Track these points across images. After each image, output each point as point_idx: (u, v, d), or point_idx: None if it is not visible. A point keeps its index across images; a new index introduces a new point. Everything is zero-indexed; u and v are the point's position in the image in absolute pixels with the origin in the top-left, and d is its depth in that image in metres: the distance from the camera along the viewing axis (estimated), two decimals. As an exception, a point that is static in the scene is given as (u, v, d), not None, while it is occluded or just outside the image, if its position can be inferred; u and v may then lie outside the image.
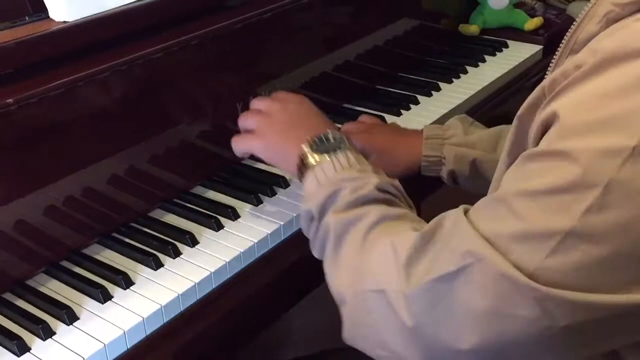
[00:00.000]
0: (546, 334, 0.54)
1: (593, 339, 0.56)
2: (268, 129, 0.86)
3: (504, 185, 0.59)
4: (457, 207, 0.64)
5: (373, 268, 0.64)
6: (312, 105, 0.90)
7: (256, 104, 0.91)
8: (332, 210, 0.72)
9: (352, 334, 0.68)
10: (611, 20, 0.59)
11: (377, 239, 0.66)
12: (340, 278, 0.69)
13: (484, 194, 0.64)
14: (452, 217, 0.61)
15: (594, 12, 0.61)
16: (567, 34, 0.65)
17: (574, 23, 0.64)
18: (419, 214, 0.75)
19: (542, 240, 0.53)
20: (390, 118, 1.19)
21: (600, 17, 0.60)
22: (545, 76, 0.69)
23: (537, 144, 0.59)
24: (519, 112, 0.64)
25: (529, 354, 0.56)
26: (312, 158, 0.78)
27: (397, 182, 0.76)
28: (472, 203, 0.63)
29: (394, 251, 0.63)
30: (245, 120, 0.90)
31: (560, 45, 0.66)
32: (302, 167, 0.79)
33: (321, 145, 0.79)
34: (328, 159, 0.77)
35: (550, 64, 0.69)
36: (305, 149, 0.79)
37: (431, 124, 1.13)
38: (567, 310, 0.53)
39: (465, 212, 0.61)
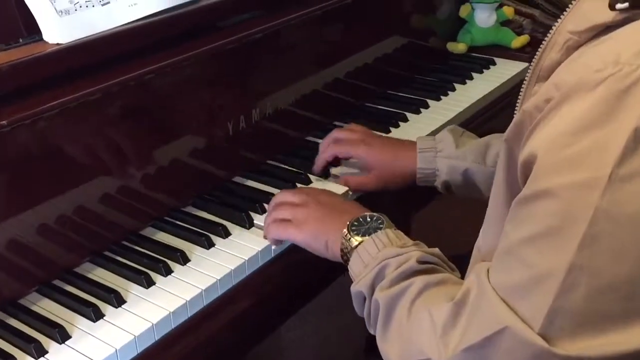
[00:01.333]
0: None
1: None
2: (306, 219, 0.89)
3: (508, 237, 0.61)
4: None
5: (417, 339, 0.67)
6: (336, 194, 0.97)
7: (286, 196, 0.94)
8: (379, 287, 0.75)
9: None
10: (571, 48, 0.61)
11: (419, 310, 0.70)
12: (391, 349, 0.72)
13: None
14: (477, 281, 0.63)
15: (554, 41, 0.63)
16: (532, 62, 0.67)
17: (538, 51, 0.66)
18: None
19: (546, 282, 0.55)
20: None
21: (561, 46, 0.62)
22: (519, 98, 0.72)
23: (523, 184, 0.61)
24: (505, 136, 0.66)
25: None
26: (355, 240, 0.81)
27: (437, 251, 0.79)
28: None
29: (432, 322, 0.66)
30: (279, 212, 0.92)
31: (528, 72, 0.69)
32: (345, 249, 0.82)
33: (361, 227, 0.82)
34: (369, 238, 0.80)
35: (521, 90, 0.71)
36: (347, 232, 0.82)
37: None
38: None
39: (488, 271, 0.63)
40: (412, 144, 1.05)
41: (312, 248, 0.89)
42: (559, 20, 0.64)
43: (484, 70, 1.47)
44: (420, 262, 0.75)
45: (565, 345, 0.55)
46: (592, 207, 0.53)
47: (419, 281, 0.72)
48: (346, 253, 0.82)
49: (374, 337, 0.76)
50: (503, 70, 1.47)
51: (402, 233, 0.83)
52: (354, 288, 0.79)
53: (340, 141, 1.08)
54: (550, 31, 0.64)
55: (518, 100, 0.72)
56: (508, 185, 0.68)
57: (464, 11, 1.53)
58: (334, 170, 1.09)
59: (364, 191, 1.06)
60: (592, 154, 0.53)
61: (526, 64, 1.48)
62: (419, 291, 0.71)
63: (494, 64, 1.50)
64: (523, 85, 0.70)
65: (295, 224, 0.89)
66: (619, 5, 0.56)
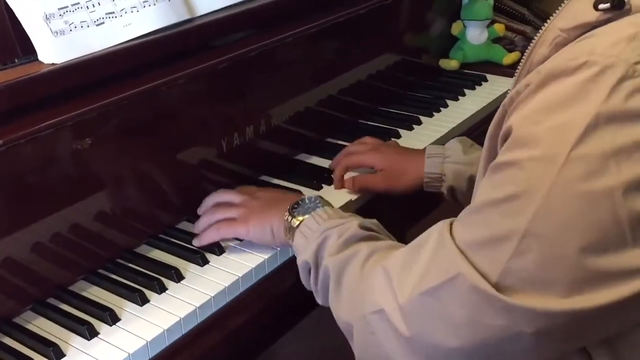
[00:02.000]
0: (518, 339, 0.60)
1: (562, 342, 0.61)
2: (250, 213, 0.95)
3: (478, 197, 0.66)
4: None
5: (371, 292, 0.71)
6: (276, 189, 1.03)
7: (224, 196, 1.00)
8: (327, 254, 0.79)
9: (362, 357, 0.74)
10: (559, 44, 0.65)
11: (371, 269, 0.73)
12: (345, 310, 0.76)
13: None
14: (438, 231, 0.67)
15: (545, 38, 0.67)
16: (523, 57, 0.71)
17: (529, 47, 0.70)
18: (405, 243, 0.79)
19: (503, 243, 0.59)
20: (372, 152, 1.22)
21: (550, 42, 0.66)
22: (509, 91, 0.74)
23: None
24: (487, 133, 0.69)
25: (512, 354, 0.62)
26: (296, 220, 0.87)
27: (375, 221, 0.84)
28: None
29: (386, 272, 0.70)
30: (221, 213, 0.98)
31: (519, 67, 0.72)
32: (288, 231, 0.88)
33: (300, 209, 0.88)
34: (309, 216, 0.86)
35: (510, 87, 0.74)
36: (287, 214, 0.88)
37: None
38: (529, 318, 0.58)
39: (451, 224, 0.67)
40: (420, 151, 1.10)
41: (260, 240, 0.94)
42: (550, 18, 0.68)
43: (476, 87, 1.48)
44: (361, 227, 0.80)
45: (512, 296, 0.59)
46: (549, 182, 0.57)
47: (366, 246, 0.77)
48: (289, 234, 0.87)
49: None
50: (495, 87, 1.48)
51: (340, 210, 0.88)
52: (299, 259, 0.83)
53: (350, 154, 1.13)
54: (542, 28, 0.68)
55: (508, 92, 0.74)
56: (488, 161, 0.70)
57: (455, 28, 1.55)
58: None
59: (370, 190, 1.09)
60: (556, 133, 0.58)
61: (518, 80, 1.49)
62: (368, 254, 0.76)
63: (486, 80, 1.51)
64: (514, 78, 0.74)
65: (240, 221, 0.94)
66: (601, 6, 0.61)
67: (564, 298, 0.57)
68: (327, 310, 1.03)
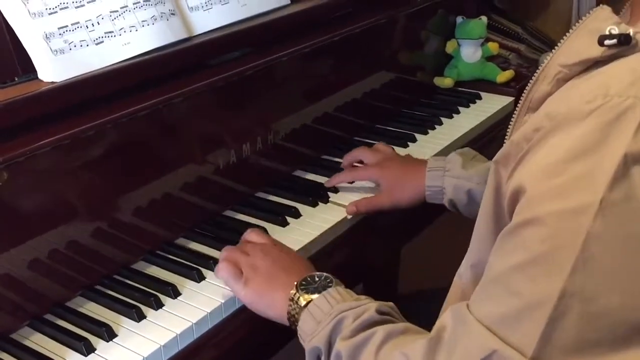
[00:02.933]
0: None
1: None
2: (252, 278, 0.86)
3: (494, 267, 0.61)
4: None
5: None
6: (291, 250, 0.94)
7: (251, 237, 0.94)
8: (340, 338, 0.73)
9: None
10: (561, 80, 0.64)
11: (389, 354, 0.68)
12: None
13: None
14: (455, 316, 0.63)
15: (545, 74, 0.66)
16: (523, 93, 0.70)
17: (529, 83, 0.69)
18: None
19: (537, 310, 0.55)
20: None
21: (551, 78, 0.65)
22: (508, 129, 0.74)
23: (510, 216, 0.61)
24: (495, 158, 0.68)
25: None
26: (303, 299, 0.79)
27: (392, 304, 0.78)
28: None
29: (406, 358, 0.65)
30: (230, 255, 0.90)
31: (519, 103, 0.71)
32: (293, 310, 0.80)
33: (309, 286, 0.81)
34: (320, 296, 0.79)
35: (511, 121, 0.73)
36: (294, 291, 0.81)
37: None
38: None
39: (468, 306, 0.63)
40: (423, 163, 1.11)
41: (255, 307, 0.86)
42: (551, 53, 0.66)
43: (470, 105, 1.50)
44: (379, 312, 0.74)
45: None
46: (583, 232, 0.54)
47: (382, 330, 0.71)
48: (294, 314, 0.80)
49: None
50: (489, 105, 1.50)
51: (352, 292, 0.81)
52: (308, 345, 0.76)
53: (357, 166, 1.16)
54: (542, 64, 0.67)
55: (507, 131, 0.74)
56: (495, 206, 0.68)
57: (450, 47, 1.57)
58: (332, 197, 1.13)
59: (375, 210, 1.09)
60: (583, 181, 0.55)
61: (511, 99, 1.51)
62: (384, 338, 0.70)
63: (480, 98, 1.53)
64: (513, 116, 0.72)
65: (241, 282, 0.87)
66: (607, 42, 0.59)
67: (611, 356, 0.54)
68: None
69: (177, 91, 0.97)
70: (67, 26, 0.90)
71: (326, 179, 1.18)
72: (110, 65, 0.92)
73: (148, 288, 0.93)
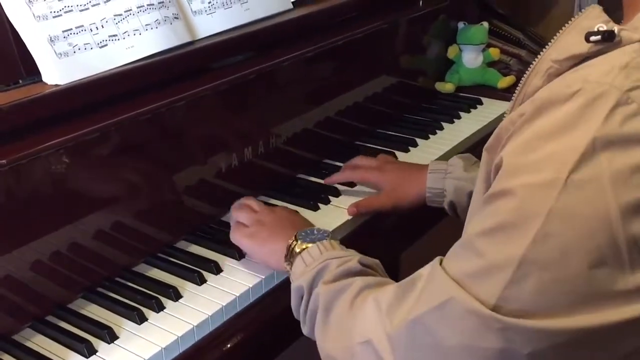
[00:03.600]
0: None
1: None
2: (258, 231, 0.97)
3: (468, 231, 0.65)
4: (435, 257, 0.69)
5: (359, 323, 0.70)
6: (297, 212, 1.04)
7: (250, 201, 1.04)
8: (321, 282, 0.79)
9: None
10: (552, 75, 0.66)
11: (363, 301, 0.73)
12: (329, 340, 0.75)
13: None
14: (429, 268, 0.67)
15: (538, 69, 0.68)
16: (517, 88, 0.72)
17: (522, 78, 0.71)
18: (398, 267, 0.80)
19: (499, 272, 0.59)
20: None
21: (543, 73, 0.67)
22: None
23: None
24: (486, 145, 0.70)
25: None
26: (299, 247, 0.87)
27: (377, 261, 0.84)
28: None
29: (377, 303, 0.70)
30: (239, 215, 1.01)
31: (513, 97, 0.74)
32: (289, 256, 0.88)
33: (307, 237, 0.88)
34: (314, 245, 0.86)
35: (505, 114, 0.75)
36: (293, 240, 0.88)
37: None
38: (527, 338, 0.58)
39: (440, 262, 0.67)
40: (425, 166, 1.12)
41: (259, 258, 0.96)
42: (544, 49, 0.69)
43: (472, 110, 1.50)
44: (361, 263, 0.80)
45: (508, 317, 0.58)
46: (547, 207, 0.57)
47: (360, 280, 0.76)
48: (290, 259, 0.87)
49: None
50: (490, 110, 1.50)
51: (344, 247, 0.87)
52: (294, 284, 0.83)
53: (358, 167, 1.16)
54: (536, 59, 0.69)
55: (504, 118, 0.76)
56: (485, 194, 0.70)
57: (451, 52, 1.57)
58: (334, 201, 1.14)
59: (373, 210, 1.11)
60: (553, 159, 0.58)
61: (512, 104, 1.51)
62: (360, 289, 0.75)
63: (481, 103, 1.53)
64: (507, 110, 0.74)
65: (247, 234, 0.97)
66: (592, 38, 0.63)
67: (563, 318, 0.57)
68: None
69: (180, 95, 0.97)
70: (71, 29, 0.90)
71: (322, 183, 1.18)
72: (114, 69, 0.92)
73: (149, 290, 0.94)
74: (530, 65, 0.70)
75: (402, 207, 1.11)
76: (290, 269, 0.87)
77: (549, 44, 0.69)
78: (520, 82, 0.71)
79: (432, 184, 1.08)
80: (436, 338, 0.62)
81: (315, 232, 0.89)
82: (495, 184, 0.63)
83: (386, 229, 1.15)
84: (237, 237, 0.99)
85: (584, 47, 0.64)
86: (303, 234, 0.89)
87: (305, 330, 0.82)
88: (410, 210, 1.11)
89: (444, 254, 0.69)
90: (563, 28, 0.68)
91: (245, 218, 1.00)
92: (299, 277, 0.82)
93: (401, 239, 1.25)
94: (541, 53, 0.69)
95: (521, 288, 0.58)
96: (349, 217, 1.10)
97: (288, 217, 0.99)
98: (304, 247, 0.86)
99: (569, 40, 0.66)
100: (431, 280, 0.65)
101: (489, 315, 0.59)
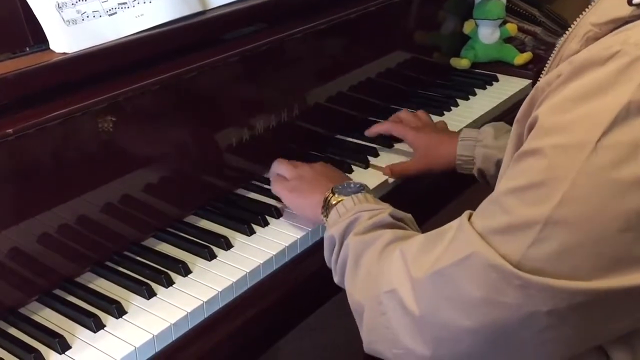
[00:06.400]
0: (532, 320, 0.59)
1: (574, 329, 0.60)
2: (298, 185, 1.00)
3: (498, 188, 0.65)
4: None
5: (386, 273, 0.72)
6: (336, 168, 1.05)
7: (289, 161, 1.06)
8: (353, 232, 0.81)
9: (370, 338, 0.73)
10: (590, 39, 0.65)
11: (391, 252, 0.74)
12: (359, 290, 0.76)
13: None
14: (457, 222, 0.68)
15: (575, 33, 0.67)
16: (553, 50, 0.71)
17: (559, 41, 0.70)
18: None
19: (524, 230, 0.59)
20: (382, 149, 1.22)
21: (581, 37, 0.66)
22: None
23: None
24: (517, 117, 0.69)
25: (522, 339, 0.61)
26: (335, 200, 0.89)
27: (410, 215, 0.85)
28: None
29: (402, 254, 0.71)
30: (280, 168, 1.05)
31: (548, 61, 0.73)
32: (325, 208, 0.90)
33: (343, 190, 0.90)
34: (349, 197, 0.88)
35: (541, 75, 0.73)
36: (329, 193, 0.91)
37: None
38: (548, 296, 0.58)
39: (469, 217, 0.67)
40: (457, 133, 1.14)
41: (298, 210, 0.99)
42: (583, 13, 0.68)
43: (487, 87, 1.47)
44: (393, 216, 0.82)
45: (531, 273, 0.58)
46: (575, 169, 0.57)
47: (390, 233, 0.78)
48: (326, 211, 0.90)
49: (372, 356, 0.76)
50: (506, 87, 1.47)
51: (379, 200, 0.89)
52: (327, 233, 0.85)
53: (399, 122, 1.21)
54: (574, 24, 0.68)
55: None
56: None
57: (467, 27, 1.54)
58: (373, 161, 1.18)
59: (408, 174, 1.14)
60: (585, 120, 0.57)
61: (529, 81, 1.49)
62: (389, 241, 0.76)
63: (497, 80, 1.50)
64: (543, 72, 0.73)
65: (287, 187, 1.00)
66: (635, 1, 0.61)
67: (585, 279, 0.57)
68: (332, 308, 1.03)
69: (189, 65, 0.95)
70: (79, -4, 0.88)
71: (338, 158, 1.16)
72: (123, 37, 0.90)
73: (159, 265, 0.92)
74: (568, 29, 0.69)
75: (433, 171, 1.13)
76: (326, 220, 0.89)
77: (589, 7, 0.67)
78: (556, 47, 0.70)
79: (462, 151, 1.10)
80: (458, 290, 0.63)
81: (352, 185, 0.91)
82: (528, 141, 0.62)
83: (411, 198, 1.14)
84: (278, 189, 1.02)
85: (626, 10, 0.62)
86: (340, 187, 0.91)
87: (336, 278, 0.83)
88: (441, 173, 1.13)
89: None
90: None
91: (286, 171, 1.03)
92: (332, 227, 0.84)
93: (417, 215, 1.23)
94: (579, 17, 0.68)
95: (545, 248, 0.58)
96: (383, 179, 1.12)
97: (326, 172, 1.01)
98: (339, 199, 0.88)
99: (609, 3, 0.64)
100: (458, 234, 0.66)
101: (510, 272, 0.59)
